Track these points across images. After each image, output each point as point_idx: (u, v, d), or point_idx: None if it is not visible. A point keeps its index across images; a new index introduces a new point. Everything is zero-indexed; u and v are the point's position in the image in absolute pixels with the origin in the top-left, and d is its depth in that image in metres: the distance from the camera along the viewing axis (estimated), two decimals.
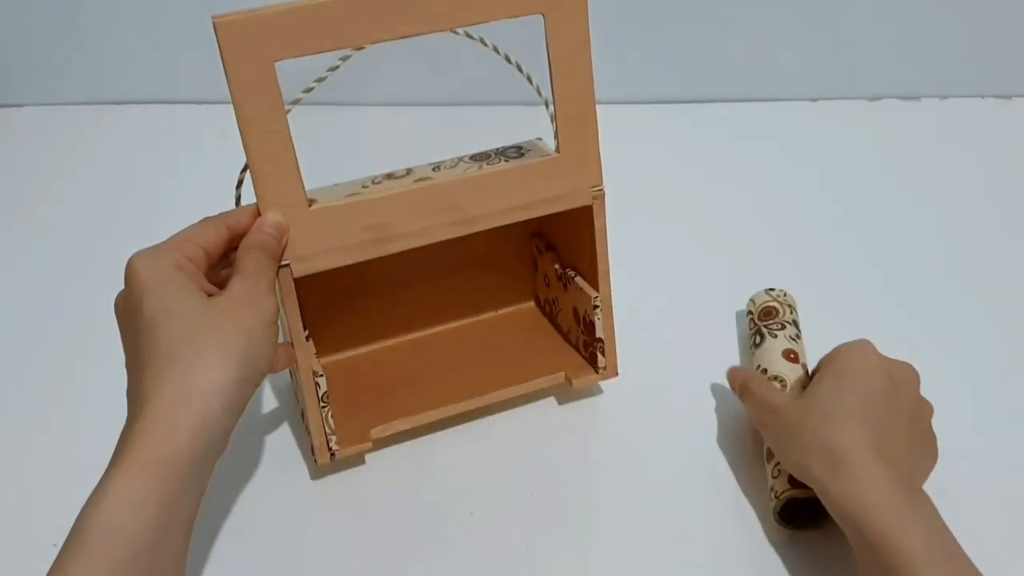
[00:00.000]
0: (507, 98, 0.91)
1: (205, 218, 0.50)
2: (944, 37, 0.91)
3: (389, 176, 0.59)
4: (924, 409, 0.52)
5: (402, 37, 0.50)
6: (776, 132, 0.90)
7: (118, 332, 0.48)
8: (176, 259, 0.47)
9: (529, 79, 0.61)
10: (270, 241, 0.49)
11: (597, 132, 0.56)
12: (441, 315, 0.66)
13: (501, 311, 0.68)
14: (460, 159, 0.60)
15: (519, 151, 0.60)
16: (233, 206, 0.60)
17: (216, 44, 0.47)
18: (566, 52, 0.53)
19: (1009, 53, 0.92)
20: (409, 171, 0.59)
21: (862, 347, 0.53)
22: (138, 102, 0.93)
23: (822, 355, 0.64)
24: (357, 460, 0.59)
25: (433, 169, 0.58)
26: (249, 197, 0.59)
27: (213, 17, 0.46)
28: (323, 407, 0.55)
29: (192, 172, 0.85)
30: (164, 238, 0.77)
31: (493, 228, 0.56)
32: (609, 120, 0.92)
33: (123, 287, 0.47)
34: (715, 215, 0.80)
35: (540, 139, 0.64)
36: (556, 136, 0.56)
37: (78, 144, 0.89)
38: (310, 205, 0.51)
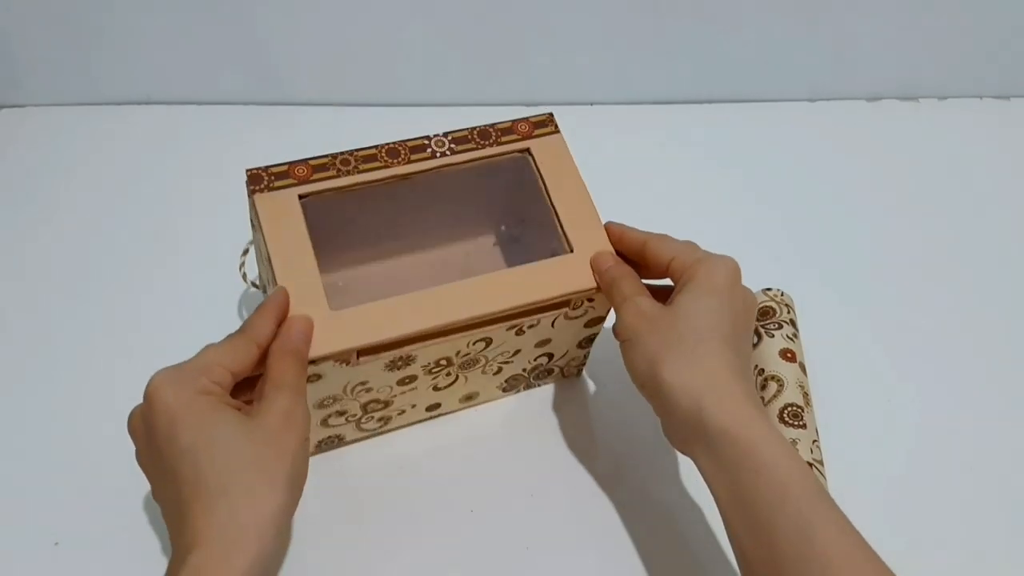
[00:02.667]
0: (507, 98, 0.91)
1: (231, 336, 0.49)
2: (944, 37, 0.91)
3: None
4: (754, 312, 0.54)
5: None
6: (776, 132, 0.90)
7: (134, 446, 0.47)
8: (202, 384, 0.45)
9: None
10: (302, 346, 0.49)
11: (605, 235, 0.56)
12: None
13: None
14: (444, 143, 0.57)
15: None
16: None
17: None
18: (557, 176, 0.56)
19: (1009, 53, 0.92)
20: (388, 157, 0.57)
21: (731, 267, 0.52)
22: (138, 102, 0.93)
23: (821, 356, 0.65)
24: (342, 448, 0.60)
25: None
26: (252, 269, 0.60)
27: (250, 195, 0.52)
28: None
29: (192, 172, 0.85)
30: (163, 239, 0.78)
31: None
32: (609, 120, 0.92)
33: (139, 406, 0.46)
34: (714, 215, 0.80)
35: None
36: (566, 240, 0.55)
37: (79, 144, 0.89)
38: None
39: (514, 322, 0.54)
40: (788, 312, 0.65)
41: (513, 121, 0.58)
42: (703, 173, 0.85)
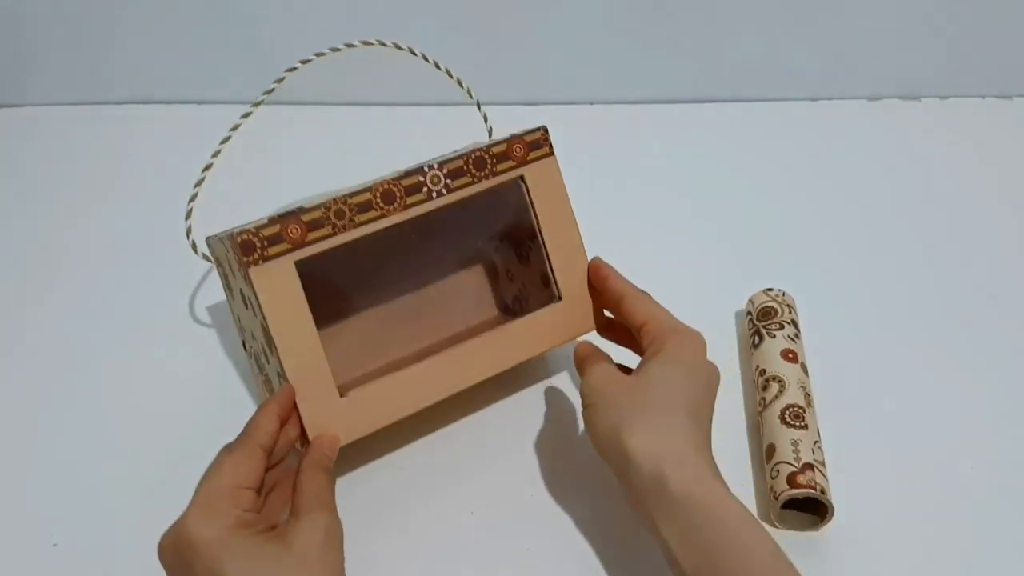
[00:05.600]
0: (508, 98, 0.91)
1: (238, 445, 0.48)
2: (944, 37, 0.91)
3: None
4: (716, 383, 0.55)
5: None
6: (776, 132, 0.90)
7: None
8: (236, 516, 0.45)
9: (459, 83, 0.67)
10: (328, 460, 0.51)
11: (586, 278, 0.60)
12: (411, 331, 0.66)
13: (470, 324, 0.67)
14: (440, 179, 0.57)
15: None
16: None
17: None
18: (548, 208, 0.59)
19: (1009, 53, 0.92)
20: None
21: (699, 341, 0.54)
22: (138, 102, 0.93)
23: (822, 356, 0.64)
24: (359, 456, 0.60)
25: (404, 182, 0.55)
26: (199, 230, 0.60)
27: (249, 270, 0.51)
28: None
29: (192, 172, 0.85)
30: (164, 240, 0.78)
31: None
32: (609, 120, 0.92)
33: (170, 535, 0.45)
34: (714, 215, 0.80)
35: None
36: (555, 284, 0.59)
37: (80, 143, 0.89)
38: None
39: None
40: (789, 312, 0.65)
41: (508, 142, 0.57)
42: (703, 173, 0.85)
